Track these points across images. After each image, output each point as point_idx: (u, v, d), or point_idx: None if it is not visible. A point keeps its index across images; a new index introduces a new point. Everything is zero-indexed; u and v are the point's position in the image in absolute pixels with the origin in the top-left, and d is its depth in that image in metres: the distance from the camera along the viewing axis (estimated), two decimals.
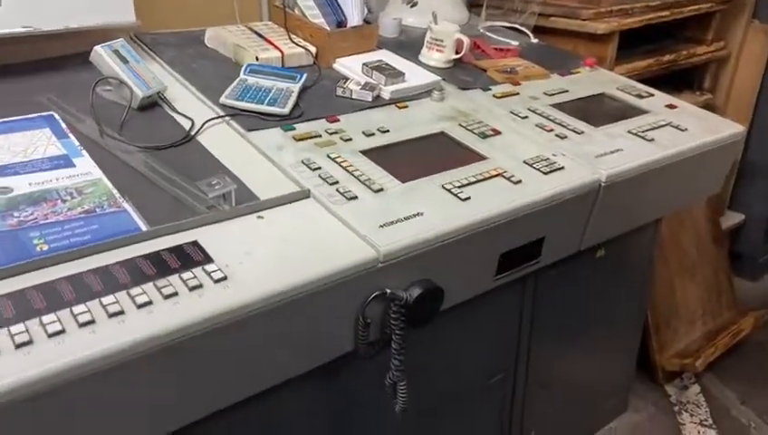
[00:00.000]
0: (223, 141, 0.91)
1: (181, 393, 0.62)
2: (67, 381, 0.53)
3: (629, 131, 1.05)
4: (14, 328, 0.55)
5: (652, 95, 1.21)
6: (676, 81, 1.66)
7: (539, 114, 1.09)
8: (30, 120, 0.88)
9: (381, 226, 0.75)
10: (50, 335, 0.55)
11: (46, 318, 0.56)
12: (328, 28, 1.18)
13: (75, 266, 0.63)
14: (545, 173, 0.91)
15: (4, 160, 0.79)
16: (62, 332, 0.56)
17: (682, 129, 1.07)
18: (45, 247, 0.65)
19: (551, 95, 1.17)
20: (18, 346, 0.54)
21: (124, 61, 0.94)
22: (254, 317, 0.63)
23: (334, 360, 0.75)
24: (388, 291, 0.72)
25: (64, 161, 0.80)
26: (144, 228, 0.71)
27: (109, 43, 0.95)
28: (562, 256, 0.97)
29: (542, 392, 1.23)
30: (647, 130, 1.05)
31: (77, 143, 0.85)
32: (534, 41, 1.46)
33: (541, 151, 0.96)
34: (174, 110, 0.97)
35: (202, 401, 0.65)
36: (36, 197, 0.73)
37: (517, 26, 1.50)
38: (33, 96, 0.93)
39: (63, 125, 0.88)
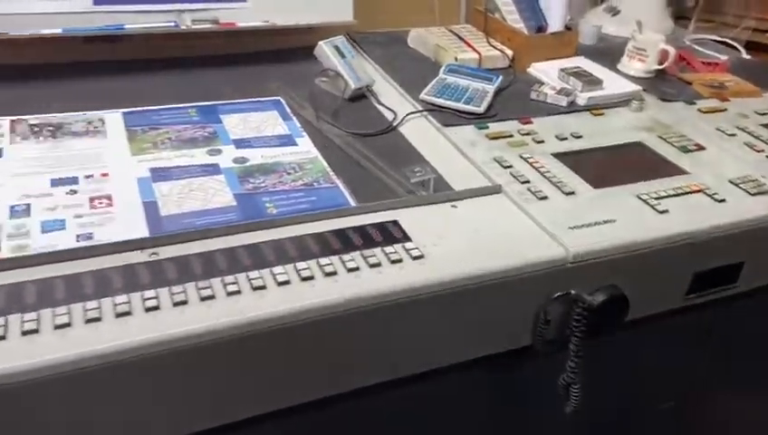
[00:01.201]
0: (421, 134, 0.98)
1: (363, 356, 0.69)
2: (287, 324, 0.62)
3: None
4: (252, 274, 0.65)
5: None
6: None
7: (748, 133, 1.02)
8: (262, 102, 1.02)
9: (571, 227, 0.76)
10: (279, 284, 0.65)
11: (276, 269, 0.66)
12: (527, 32, 1.21)
13: (297, 230, 0.73)
14: (752, 194, 0.85)
15: (242, 135, 0.92)
16: (287, 282, 0.65)
17: None
18: (275, 211, 0.76)
19: (763, 114, 1.09)
20: (255, 289, 0.64)
21: (342, 55, 1.05)
22: (446, 295, 0.68)
23: (508, 351, 0.78)
24: (573, 292, 0.73)
25: (288, 140, 0.92)
26: (353, 204, 0.79)
27: (331, 39, 1.06)
28: (762, 284, 0.90)
29: (714, 430, 1.15)
30: None
31: (299, 125, 0.96)
32: (747, 57, 1.36)
33: (749, 171, 0.90)
34: (379, 102, 1.06)
35: (382, 367, 0.71)
36: (267, 168, 0.85)
37: (727, 40, 1.40)
38: (265, 82, 1.07)
39: (288, 109, 1.01)
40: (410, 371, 0.73)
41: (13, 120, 0.89)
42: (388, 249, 0.71)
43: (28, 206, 0.72)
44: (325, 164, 0.87)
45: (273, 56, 1.17)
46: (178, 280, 0.64)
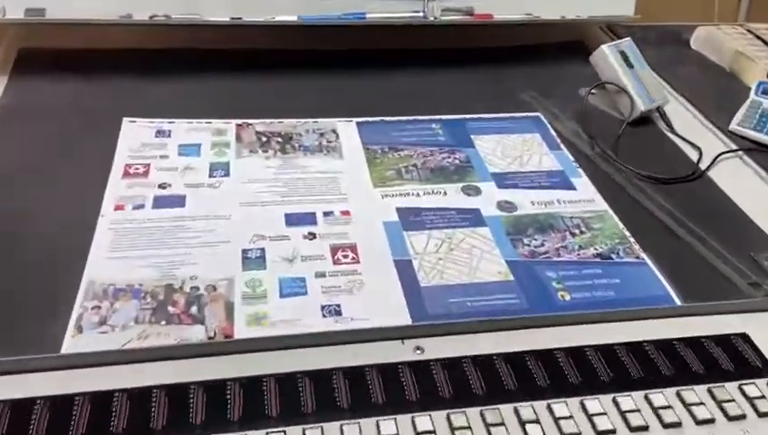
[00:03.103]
0: (742, 184, 0.72)
1: None
2: None
3: None
4: (555, 405, 0.46)
5: None
6: None
7: None
8: (518, 121, 0.81)
9: None
10: (598, 433, 0.45)
11: (589, 404, 0.46)
12: None
13: (602, 332, 0.52)
14: None
15: (502, 167, 0.72)
16: (611, 432, 0.45)
17: None
18: (567, 297, 0.56)
19: None
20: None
21: (629, 65, 0.81)
22: None
23: None
24: None
25: (562, 180, 0.71)
26: (674, 296, 0.57)
27: (615, 42, 0.82)
28: None
29: None
30: None
31: (571, 158, 0.75)
32: None
33: None
34: (671, 129, 0.81)
35: None
36: (542, 222, 0.65)
37: None
38: (516, 89, 0.87)
39: (552, 131, 0.79)
40: None
41: (239, 125, 0.76)
42: (750, 390, 0.48)
43: (262, 251, 0.58)
44: (619, 223, 0.65)
45: (520, 52, 0.95)
46: (454, 400, 0.46)
